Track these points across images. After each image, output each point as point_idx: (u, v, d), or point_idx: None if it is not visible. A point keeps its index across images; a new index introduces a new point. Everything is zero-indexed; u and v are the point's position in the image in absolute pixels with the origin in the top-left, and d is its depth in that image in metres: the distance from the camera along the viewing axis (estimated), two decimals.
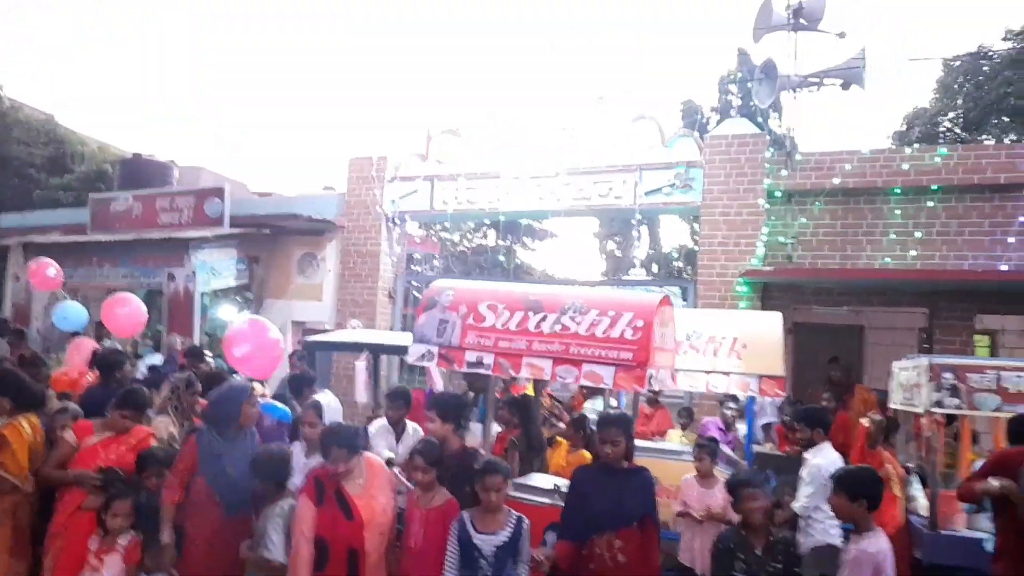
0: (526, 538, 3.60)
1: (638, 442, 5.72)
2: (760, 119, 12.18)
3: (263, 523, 3.75)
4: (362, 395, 7.02)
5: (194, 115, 55.71)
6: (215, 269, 11.81)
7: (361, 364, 6.93)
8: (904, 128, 21.69)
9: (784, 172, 9.54)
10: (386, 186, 11.58)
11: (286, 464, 3.97)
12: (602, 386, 4.07)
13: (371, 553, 3.57)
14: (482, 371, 4.34)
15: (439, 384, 6.99)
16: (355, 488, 3.68)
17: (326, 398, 5.99)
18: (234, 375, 6.04)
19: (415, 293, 12.38)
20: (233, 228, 11.67)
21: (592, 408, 7.53)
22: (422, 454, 3.78)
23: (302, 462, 4.58)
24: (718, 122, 18.21)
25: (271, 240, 12.22)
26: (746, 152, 9.58)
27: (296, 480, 4.10)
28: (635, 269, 21.25)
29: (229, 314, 12.19)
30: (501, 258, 18.99)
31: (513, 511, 3.70)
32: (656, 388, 4.33)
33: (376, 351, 7.56)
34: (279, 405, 5.61)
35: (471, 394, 7.40)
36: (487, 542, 3.53)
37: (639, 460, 4.60)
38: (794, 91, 11.60)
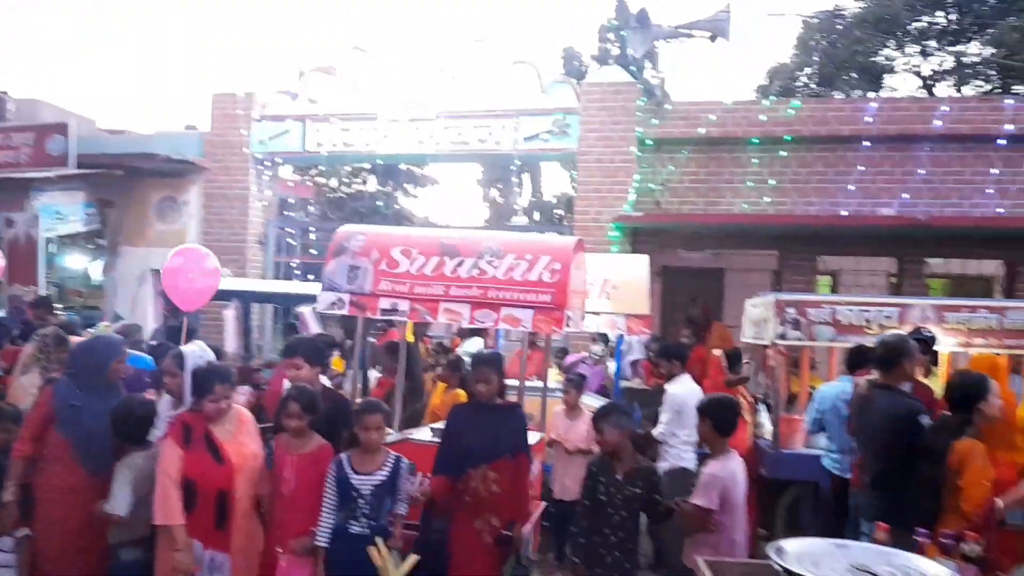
0: (404, 476, 3.67)
1: (516, 382, 5.96)
2: (634, 68, 12.49)
3: (113, 477, 3.60)
4: (232, 344, 6.78)
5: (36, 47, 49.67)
6: (61, 213, 10.81)
7: (230, 313, 6.67)
8: (767, 82, 22.95)
9: (655, 121, 9.90)
10: (254, 125, 10.96)
11: (147, 418, 3.80)
12: (517, 327, 4.13)
13: (242, 498, 3.52)
14: (397, 318, 4.31)
15: (314, 331, 6.87)
16: (224, 434, 3.59)
17: (194, 347, 5.75)
18: (90, 329, 5.66)
19: (289, 240, 11.95)
20: (80, 168, 10.67)
21: (465, 351, 7.67)
22: (297, 400, 3.72)
23: (167, 414, 4.39)
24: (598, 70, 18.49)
25: (125, 182, 11.30)
26: (619, 100, 9.84)
27: (160, 433, 3.93)
28: (517, 216, 21.55)
29: (79, 263, 11.26)
30: (379, 204, 18.57)
31: (391, 451, 3.76)
32: (571, 328, 4.46)
33: (245, 299, 7.28)
34: (142, 355, 5.32)
35: (348, 341, 7.33)
36: (365, 482, 3.57)
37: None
38: (666, 41, 12.01)
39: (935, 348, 5.40)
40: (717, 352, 6.40)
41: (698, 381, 5.82)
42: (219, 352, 5.14)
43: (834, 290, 11.32)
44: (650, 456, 4.90)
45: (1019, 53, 17.73)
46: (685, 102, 10.26)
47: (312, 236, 12.50)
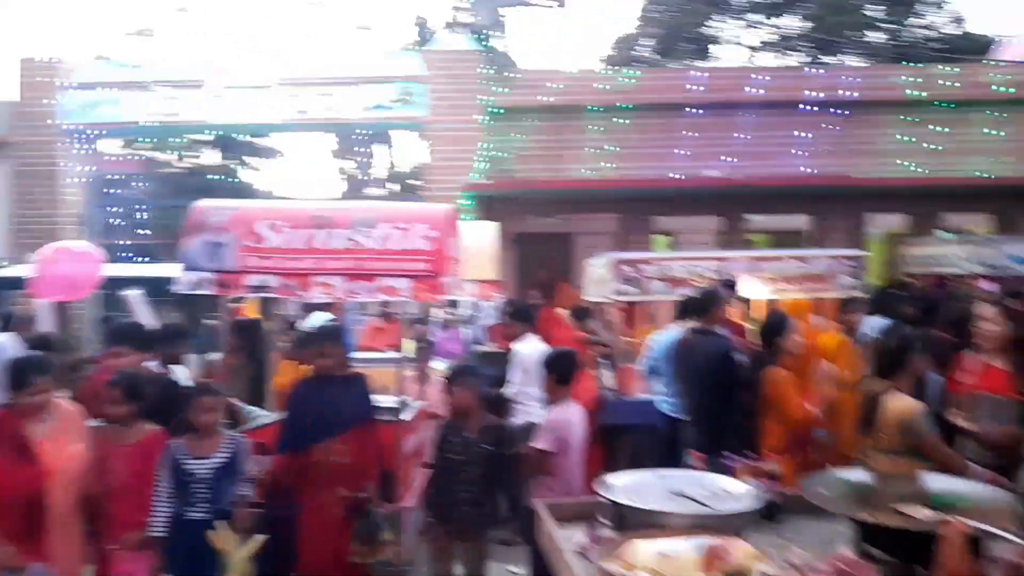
0: (244, 457, 3.56)
1: (371, 355, 5.91)
2: (481, 36, 12.55)
3: None
4: None
5: None
6: None
7: (43, 302, 6.06)
8: (614, 52, 23.86)
9: (503, 89, 10.02)
10: (66, 94, 9.90)
11: None
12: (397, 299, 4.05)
13: (57, 504, 3.23)
14: (266, 295, 4.19)
15: (144, 316, 6.41)
16: (41, 431, 3.29)
17: (3, 339, 5.21)
18: None
19: (115, 220, 10.99)
20: None
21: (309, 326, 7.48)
22: (119, 386, 3.50)
23: None
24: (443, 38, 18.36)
25: None
26: (465, 68, 9.85)
27: None
28: (375, 188, 21.11)
29: None
30: (212, 178, 17.38)
31: (232, 433, 3.63)
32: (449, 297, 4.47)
33: None
34: None
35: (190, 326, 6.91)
36: (202, 466, 3.43)
37: (372, 372, 4.75)
38: (511, 8, 12.15)
39: (743, 293, 5.96)
40: (562, 311, 6.69)
41: (548, 341, 6.04)
42: (51, 343, 4.70)
43: (674, 248, 12.08)
44: (502, 415, 5.05)
45: (830, 26, 19.61)
46: (530, 71, 10.46)
47: (144, 215, 11.56)
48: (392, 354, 6.94)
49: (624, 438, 6.04)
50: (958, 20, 20.95)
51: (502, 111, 10.02)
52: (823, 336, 5.57)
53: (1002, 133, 10.15)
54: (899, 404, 2.82)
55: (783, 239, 11.62)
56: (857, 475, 2.88)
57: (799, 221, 11.61)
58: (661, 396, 5.76)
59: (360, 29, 10.01)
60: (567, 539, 2.61)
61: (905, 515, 2.26)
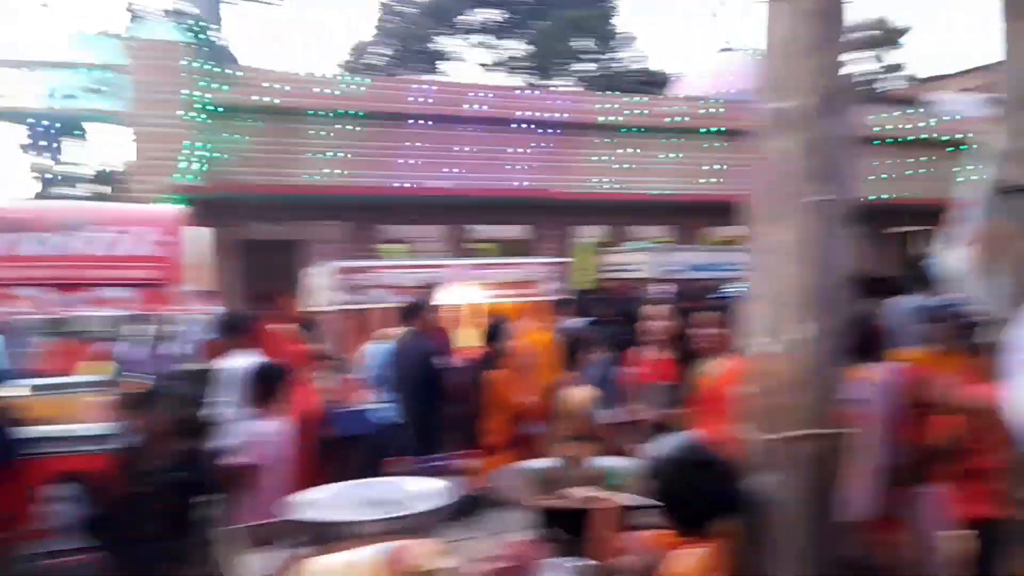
0: None
1: (48, 380, 5.07)
2: (196, 27, 11.54)
3: None
4: None
5: None
6: None
7: None
8: (352, 57, 23.63)
9: (222, 87, 9.31)
10: None
11: None
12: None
13: None
14: None
15: None
16: None
17: None
18: None
19: None
20: None
21: None
22: None
23: None
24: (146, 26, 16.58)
25: None
26: (170, 60, 8.98)
27: None
28: (73, 188, 18.23)
29: None
30: None
31: None
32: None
33: None
34: None
35: None
36: None
37: (46, 400, 4.06)
38: (231, 2, 11.38)
39: (462, 299, 6.25)
40: (285, 325, 6.39)
41: (269, 354, 5.70)
42: None
43: (411, 257, 12.21)
44: (202, 438, 4.66)
45: (550, 51, 21.49)
46: (251, 69, 9.87)
47: None
48: (81, 377, 6.08)
49: (349, 449, 5.94)
50: (641, 58, 24.46)
51: (220, 109, 9.30)
52: (534, 336, 6.03)
53: (679, 156, 11.94)
54: (574, 394, 3.14)
55: (507, 247, 12.38)
56: (544, 463, 3.14)
57: (519, 231, 12.49)
58: (383, 403, 5.77)
59: (44, 7, 8.58)
60: (256, 563, 2.48)
61: (567, 496, 2.50)
